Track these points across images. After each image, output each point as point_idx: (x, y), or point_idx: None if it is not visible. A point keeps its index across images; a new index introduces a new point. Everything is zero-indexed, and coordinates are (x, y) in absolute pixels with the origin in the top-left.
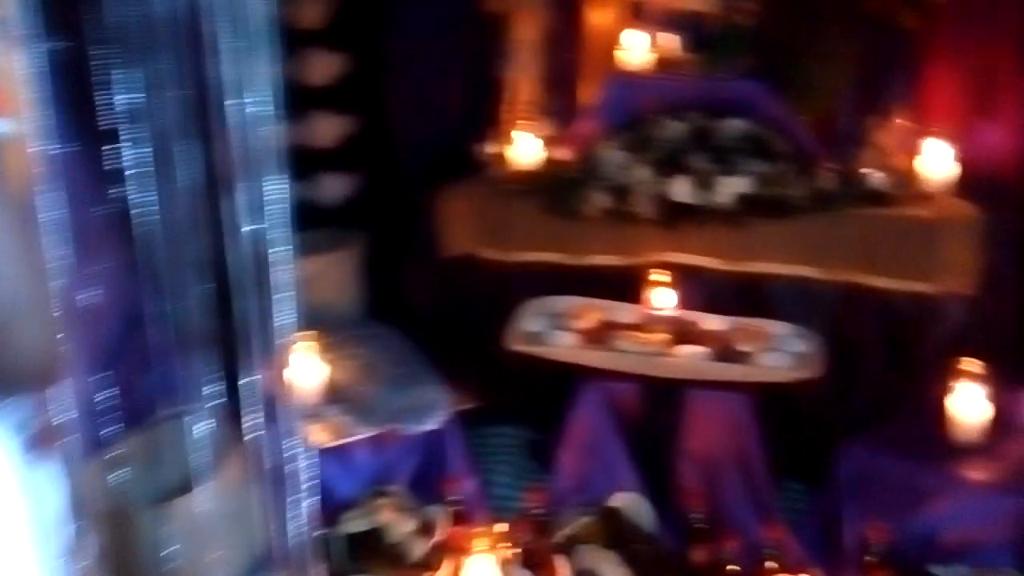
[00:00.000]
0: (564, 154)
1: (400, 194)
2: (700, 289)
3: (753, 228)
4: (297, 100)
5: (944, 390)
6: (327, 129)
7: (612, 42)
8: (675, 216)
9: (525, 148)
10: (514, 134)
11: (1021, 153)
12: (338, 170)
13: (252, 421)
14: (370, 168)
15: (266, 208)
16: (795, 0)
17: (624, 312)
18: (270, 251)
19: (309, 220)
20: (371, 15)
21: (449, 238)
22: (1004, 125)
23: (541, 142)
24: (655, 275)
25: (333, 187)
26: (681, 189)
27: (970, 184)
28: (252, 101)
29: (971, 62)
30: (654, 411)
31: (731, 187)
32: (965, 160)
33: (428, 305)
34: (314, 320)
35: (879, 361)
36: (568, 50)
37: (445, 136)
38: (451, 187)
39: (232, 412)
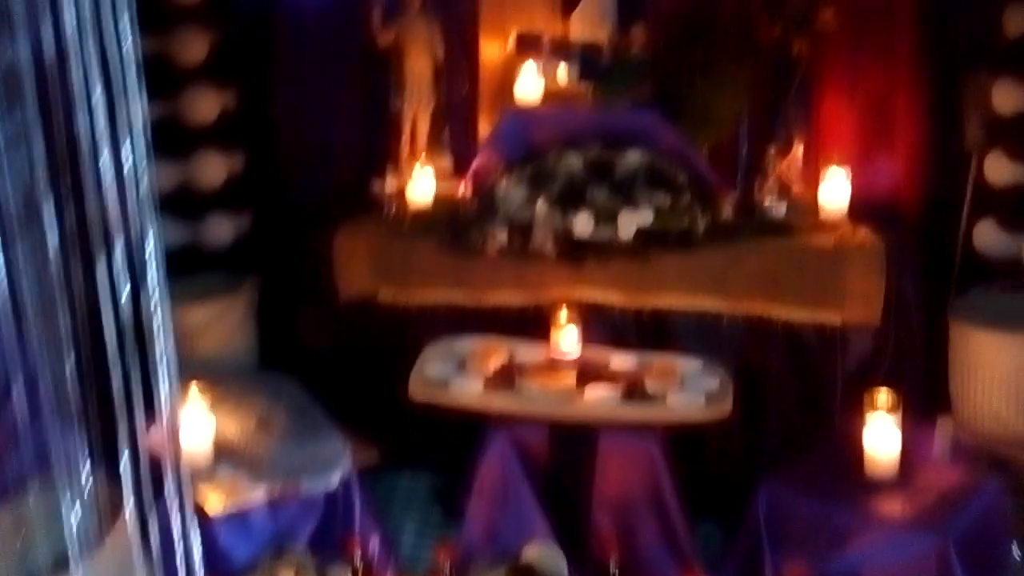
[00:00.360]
0: (462, 190)
1: (292, 234)
2: (606, 326)
3: (657, 262)
4: (180, 139)
5: (856, 423)
6: (213, 168)
7: (508, 74)
8: (578, 252)
9: (422, 184)
10: (410, 170)
11: (916, 180)
12: (226, 210)
13: (134, 492)
14: (260, 207)
15: (143, 265)
16: (689, 30)
17: (530, 352)
18: (149, 310)
19: (197, 264)
20: (256, 49)
21: (345, 279)
22: (899, 152)
23: (438, 178)
24: (560, 313)
25: (221, 228)
26: (583, 225)
27: (870, 212)
28: (124, 151)
29: (864, 89)
30: (564, 455)
31: (633, 221)
32: (863, 188)
33: (325, 351)
34: (204, 371)
35: (790, 395)
36: (463, 83)
37: (338, 173)
38: (346, 226)
39: (112, 483)
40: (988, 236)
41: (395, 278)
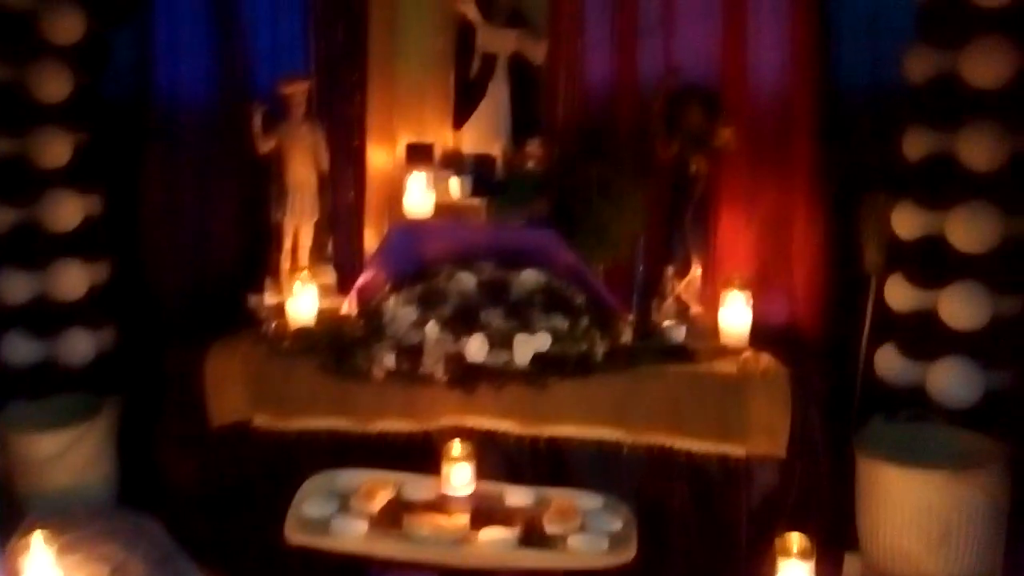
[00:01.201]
0: (347, 308)
1: (160, 351)
2: (500, 456)
3: (554, 389)
4: (38, 248)
5: (764, 566)
6: (73, 279)
7: (397, 185)
8: (470, 378)
9: (303, 301)
10: (291, 285)
11: (816, 303)
12: (87, 325)
13: None
14: (124, 322)
15: None
16: (585, 146)
17: (419, 487)
18: None
19: (52, 384)
20: (125, 151)
21: (217, 403)
22: (797, 273)
23: (321, 294)
24: (452, 446)
25: (81, 345)
26: (476, 349)
27: (770, 336)
28: None
29: (762, 208)
30: None
31: (529, 346)
32: (762, 310)
33: (193, 485)
34: (54, 508)
35: (694, 531)
36: (349, 193)
37: (212, 286)
38: (219, 344)
39: None
40: (890, 362)
41: (272, 403)
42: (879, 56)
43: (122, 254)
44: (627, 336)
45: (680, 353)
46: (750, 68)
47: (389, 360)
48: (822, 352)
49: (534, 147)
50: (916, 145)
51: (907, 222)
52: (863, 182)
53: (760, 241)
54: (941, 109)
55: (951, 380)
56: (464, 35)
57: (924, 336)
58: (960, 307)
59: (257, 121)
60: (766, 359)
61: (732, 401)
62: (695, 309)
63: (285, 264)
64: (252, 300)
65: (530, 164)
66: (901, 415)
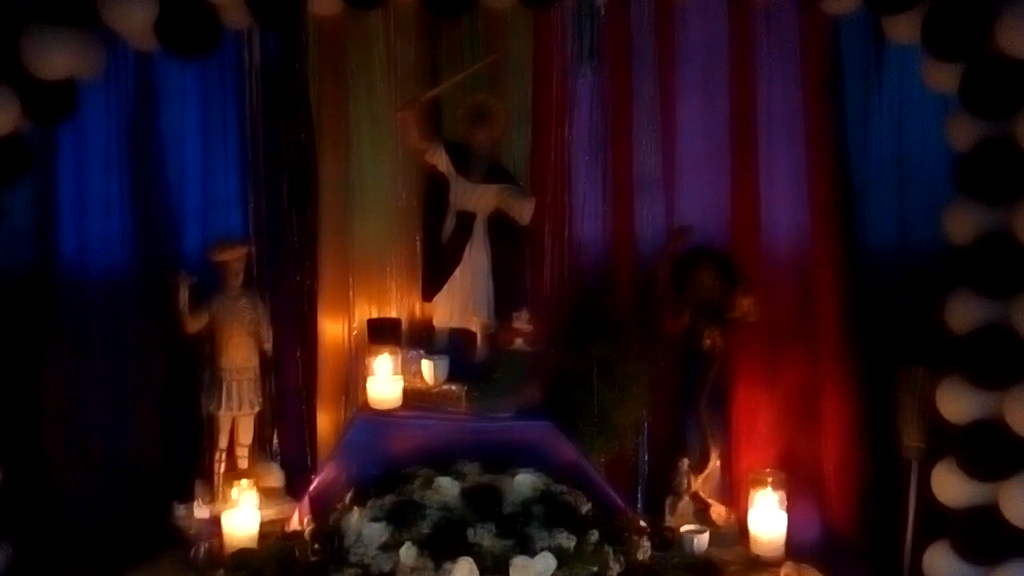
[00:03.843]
0: (298, 521)
1: None
2: None
3: None
4: None
5: None
6: None
7: (356, 368)
8: None
9: (243, 513)
10: (226, 493)
11: (852, 496)
12: None
13: None
14: (21, 539)
15: None
16: (582, 320)
17: None
18: None
19: None
20: (22, 331)
21: None
22: (830, 462)
23: (265, 503)
24: None
25: None
26: None
27: (802, 538)
28: None
29: (788, 388)
30: None
31: (528, 571)
32: (791, 506)
33: None
34: None
35: None
36: (297, 377)
37: (127, 496)
38: (136, 571)
39: None
40: (944, 566)
41: None
42: (910, 212)
43: (16, 457)
44: (644, 551)
45: (707, 569)
46: (764, 226)
47: None
48: (861, 555)
49: (522, 322)
50: (964, 314)
51: (957, 402)
52: (899, 355)
53: (784, 424)
54: (993, 273)
55: None
56: (435, 190)
57: (984, 535)
58: None
59: (184, 295)
60: (812, 575)
61: None
62: (716, 508)
63: (219, 467)
64: (178, 513)
65: (517, 342)
66: None
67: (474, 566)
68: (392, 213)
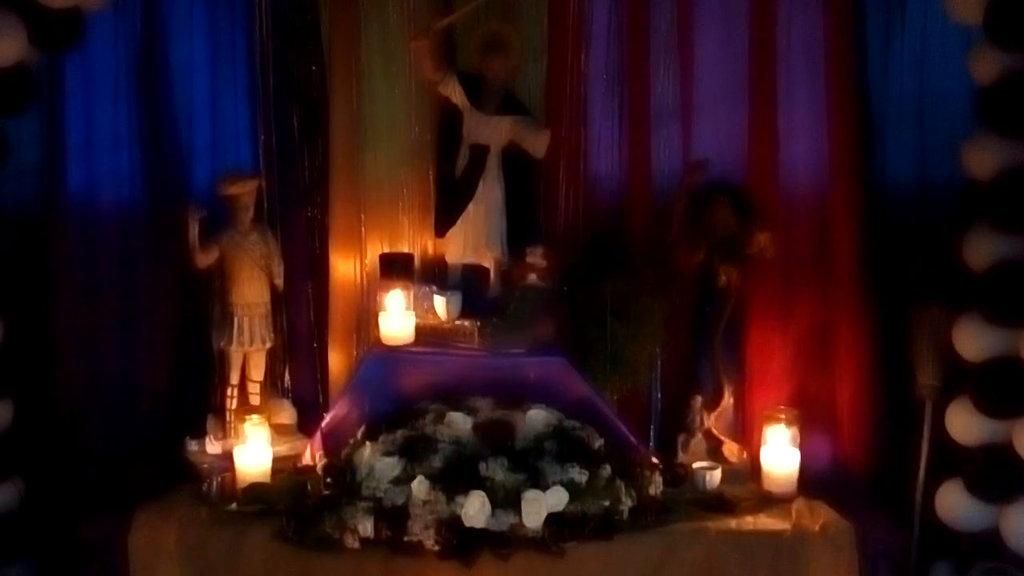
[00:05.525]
0: (310, 457)
1: (74, 513)
2: None
3: (572, 555)
4: None
5: None
6: None
7: (368, 304)
8: (469, 546)
9: (254, 449)
10: (238, 429)
11: (865, 436)
12: None
13: None
14: (31, 476)
15: None
16: (596, 255)
17: None
18: None
19: None
20: (29, 267)
21: None
22: (844, 400)
23: (277, 440)
24: None
25: None
26: (475, 510)
27: (815, 476)
28: None
29: (803, 326)
30: None
31: (541, 505)
32: (805, 444)
33: None
34: None
35: None
36: (308, 314)
37: (139, 432)
38: (148, 507)
39: None
40: (955, 504)
41: None
42: (929, 148)
43: (28, 393)
44: (656, 486)
45: (719, 504)
46: (782, 161)
47: (365, 526)
48: (872, 492)
49: (535, 257)
50: (981, 250)
51: (973, 340)
52: (915, 293)
53: (798, 362)
54: (1013, 209)
55: None
56: (448, 123)
57: (997, 473)
58: None
59: (194, 228)
60: (823, 511)
61: (787, 565)
62: (729, 446)
63: (231, 402)
64: (190, 448)
65: (531, 277)
66: (976, 569)
67: (486, 500)
68: (405, 147)
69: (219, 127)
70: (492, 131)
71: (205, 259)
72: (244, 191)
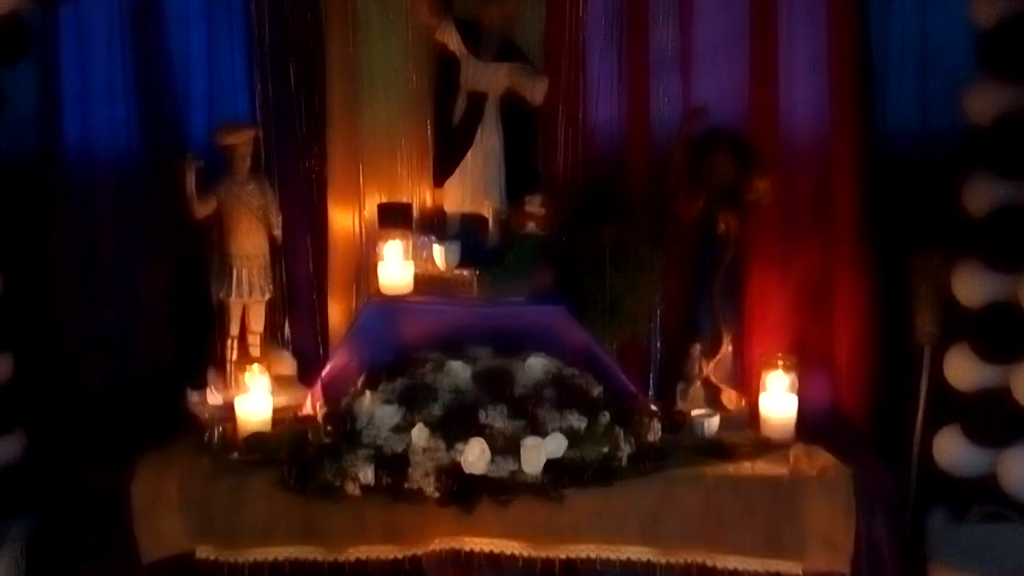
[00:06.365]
0: (311, 407)
1: (76, 465)
2: None
3: (571, 501)
4: None
5: None
6: None
7: (367, 254)
8: (468, 492)
9: (256, 399)
10: (239, 379)
11: (863, 382)
12: None
13: None
14: (32, 427)
15: None
16: (595, 203)
17: None
18: None
19: None
20: (27, 219)
21: (149, 532)
22: (843, 347)
23: (277, 390)
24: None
25: None
26: (474, 457)
27: (813, 423)
28: None
29: (802, 273)
30: None
31: (539, 451)
32: (803, 391)
33: None
34: None
35: None
36: (308, 265)
37: (140, 383)
38: (150, 456)
39: None
40: (952, 450)
41: (219, 530)
42: (931, 94)
43: (26, 344)
44: (655, 432)
45: (717, 450)
46: (782, 108)
47: (366, 473)
48: (870, 438)
49: (534, 205)
50: (981, 196)
51: (971, 286)
52: (914, 240)
53: (798, 310)
54: (1013, 153)
55: None
56: (445, 71)
57: (994, 418)
58: None
59: (191, 179)
60: (821, 456)
61: (784, 509)
62: (727, 393)
63: (231, 353)
64: (191, 399)
65: (530, 226)
66: (973, 513)
67: (485, 446)
68: (402, 96)
69: (216, 77)
70: (490, 78)
71: (202, 209)
72: (241, 141)
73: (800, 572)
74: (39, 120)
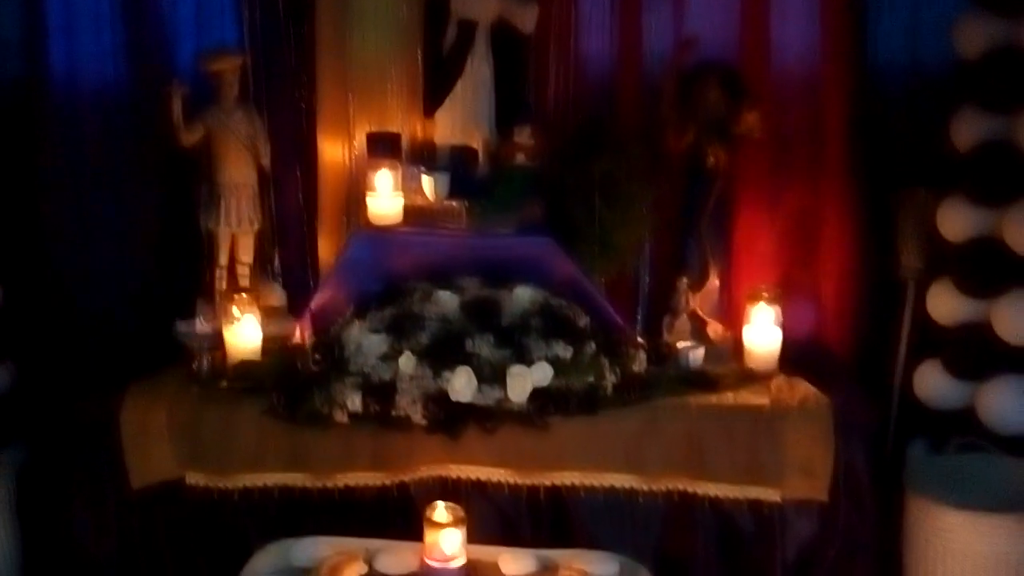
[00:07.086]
0: (299, 337)
1: (65, 393)
2: (494, 513)
3: (556, 429)
4: None
5: None
6: None
7: (356, 185)
8: (455, 420)
9: (245, 329)
10: (228, 309)
11: (847, 316)
12: None
13: None
14: (22, 358)
15: None
16: (585, 135)
17: (396, 557)
18: None
19: None
20: (11, 150)
21: (138, 458)
22: (827, 280)
23: (266, 320)
24: (436, 509)
25: None
26: (461, 385)
27: (797, 356)
28: None
29: (789, 208)
30: None
31: (525, 379)
32: (788, 324)
33: (111, 558)
34: None
35: None
36: (297, 195)
37: (128, 313)
38: (139, 385)
39: None
40: (933, 382)
41: (209, 457)
42: (921, 28)
43: (16, 276)
44: (640, 363)
45: (701, 381)
46: (773, 42)
47: (354, 401)
48: (853, 371)
49: (524, 137)
50: (968, 131)
51: (955, 221)
52: (900, 176)
53: (784, 245)
54: (1000, 88)
55: (1006, 403)
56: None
57: (974, 352)
58: (1017, 318)
59: (177, 105)
60: (802, 387)
61: (764, 438)
62: (713, 326)
63: (220, 284)
64: (180, 329)
65: (519, 158)
66: (951, 444)
67: (472, 375)
68: (392, 25)
69: (203, 3)
70: (480, 5)
71: (189, 137)
72: (228, 67)
73: (779, 499)
74: (23, 48)
